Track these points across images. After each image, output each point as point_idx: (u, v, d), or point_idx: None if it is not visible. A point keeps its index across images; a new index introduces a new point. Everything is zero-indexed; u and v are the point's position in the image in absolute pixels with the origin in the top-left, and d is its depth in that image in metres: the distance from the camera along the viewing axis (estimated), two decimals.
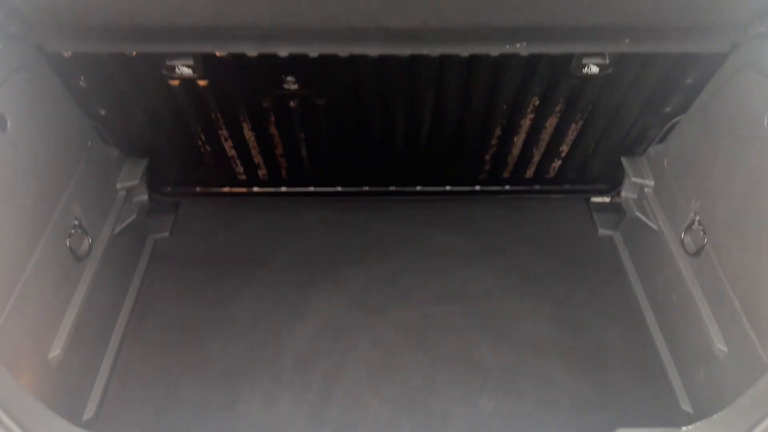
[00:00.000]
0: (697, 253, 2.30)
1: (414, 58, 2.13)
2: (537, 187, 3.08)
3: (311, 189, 3.06)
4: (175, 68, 2.21)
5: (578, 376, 2.47)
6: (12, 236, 1.92)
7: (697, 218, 2.30)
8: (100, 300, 2.44)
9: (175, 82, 2.30)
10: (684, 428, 1.77)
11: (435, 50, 1.99)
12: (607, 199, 3.16)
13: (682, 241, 2.39)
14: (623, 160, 2.80)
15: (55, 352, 2.09)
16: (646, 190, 2.71)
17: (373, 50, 2.01)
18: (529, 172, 2.97)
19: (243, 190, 3.05)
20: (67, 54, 2.13)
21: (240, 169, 2.88)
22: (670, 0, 1.91)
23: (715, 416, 1.76)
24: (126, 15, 1.89)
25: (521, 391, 2.42)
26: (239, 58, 2.14)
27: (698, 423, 1.75)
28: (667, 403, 2.41)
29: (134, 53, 2.11)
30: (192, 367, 2.49)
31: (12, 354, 1.87)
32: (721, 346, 2.13)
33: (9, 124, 1.90)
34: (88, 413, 2.31)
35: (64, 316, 2.18)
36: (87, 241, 2.34)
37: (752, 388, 1.73)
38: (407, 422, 2.34)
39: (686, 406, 2.35)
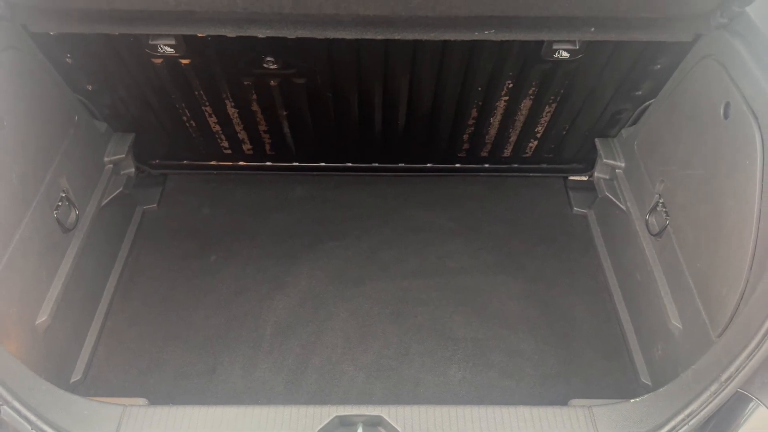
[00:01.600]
0: (659, 234, 2.39)
1: (388, 42, 2.19)
2: (515, 165, 3.16)
3: (295, 164, 3.15)
4: (158, 47, 2.28)
5: (545, 349, 2.58)
6: None
7: (661, 200, 2.39)
8: (88, 269, 2.54)
9: (159, 61, 2.38)
10: (632, 400, 1.89)
11: (406, 36, 2.06)
12: (584, 178, 3.24)
13: (647, 222, 2.48)
14: (597, 141, 2.87)
15: (43, 318, 2.19)
16: (617, 171, 2.78)
17: (347, 34, 2.08)
18: (507, 152, 3.04)
19: (229, 163, 3.13)
20: (52, 33, 2.20)
21: (225, 144, 2.96)
22: None
23: (660, 390, 1.87)
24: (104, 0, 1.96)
25: (489, 362, 2.53)
26: (219, 39, 2.20)
27: (645, 396, 1.87)
28: (627, 376, 2.52)
29: (117, 33, 2.18)
30: (176, 335, 2.60)
31: None
32: (676, 323, 2.23)
33: None
34: (76, 375, 2.43)
35: (52, 284, 2.28)
36: (74, 213, 2.43)
37: (695, 364, 1.84)
38: (379, 388, 2.45)
39: (645, 379, 2.46)
